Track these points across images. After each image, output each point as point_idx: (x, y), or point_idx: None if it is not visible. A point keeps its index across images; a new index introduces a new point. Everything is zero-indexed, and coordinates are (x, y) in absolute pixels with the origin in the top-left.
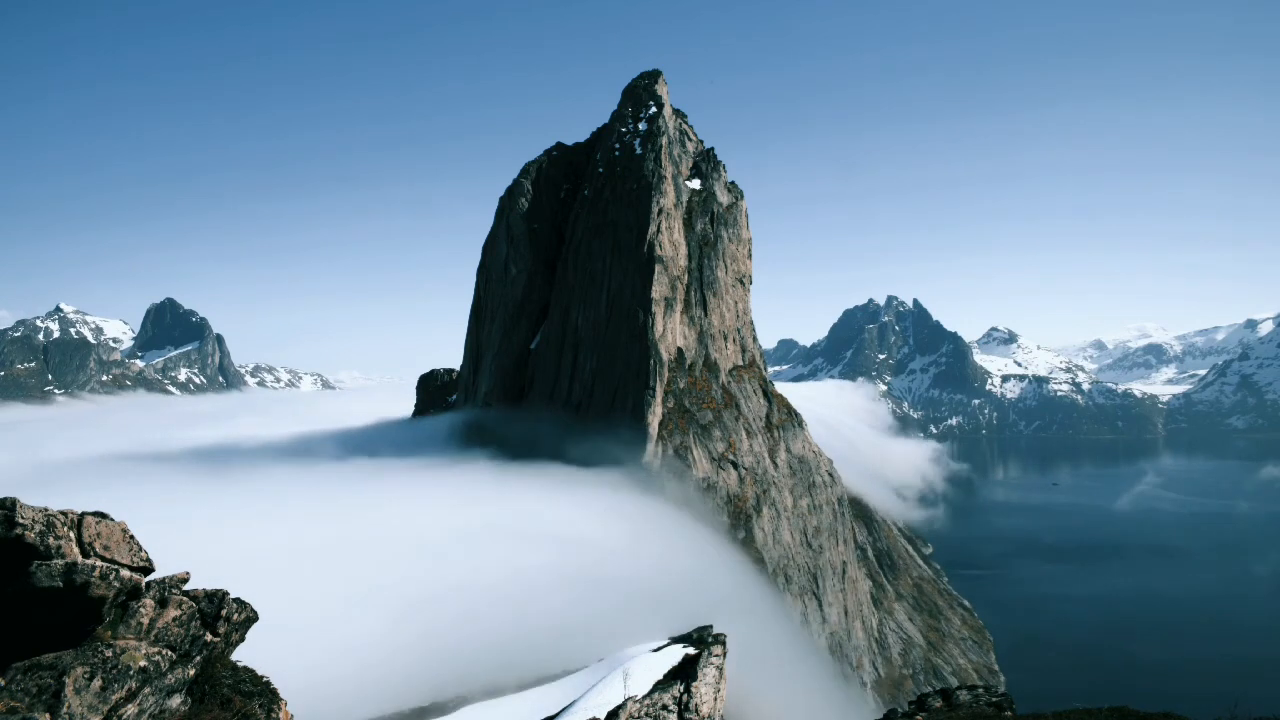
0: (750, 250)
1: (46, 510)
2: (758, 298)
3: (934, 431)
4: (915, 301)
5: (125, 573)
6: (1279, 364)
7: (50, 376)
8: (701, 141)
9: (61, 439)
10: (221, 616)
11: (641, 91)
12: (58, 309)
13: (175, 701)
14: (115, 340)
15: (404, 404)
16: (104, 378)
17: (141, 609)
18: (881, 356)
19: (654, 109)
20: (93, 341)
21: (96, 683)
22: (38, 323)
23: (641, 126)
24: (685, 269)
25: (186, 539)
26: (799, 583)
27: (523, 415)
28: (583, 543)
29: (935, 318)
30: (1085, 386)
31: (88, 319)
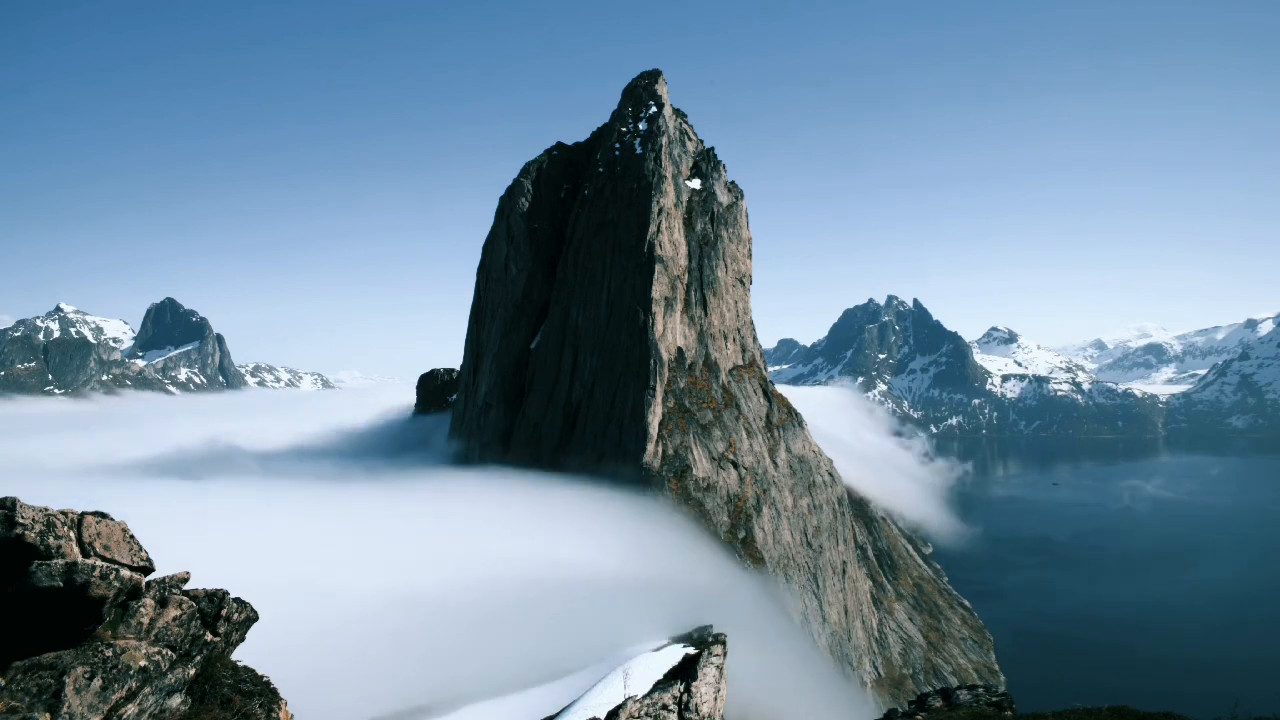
0: (750, 250)
1: (47, 510)
2: (758, 297)
3: (934, 431)
4: (915, 301)
5: (125, 572)
6: (1279, 364)
7: (50, 376)
8: (701, 141)
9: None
10: (222, 616)
11: (641, 91)
12: (58, 309)
13: (175, 701)
14: (115, 340)
15: (404, 404)
16: (104, 377)
17: (142, 609)
18: (882, 356)
19: (654, 109)
20: (93, 341)
21: (96, 682)
22: (38, 323)
23: (642, 126)
24: (685, 269)
25: (185, 539)
26: (799, 582)
27: (522, 417)
28: (582, 544)
29: (935, 317)
30: (1085, 386)
31: (88, 319)
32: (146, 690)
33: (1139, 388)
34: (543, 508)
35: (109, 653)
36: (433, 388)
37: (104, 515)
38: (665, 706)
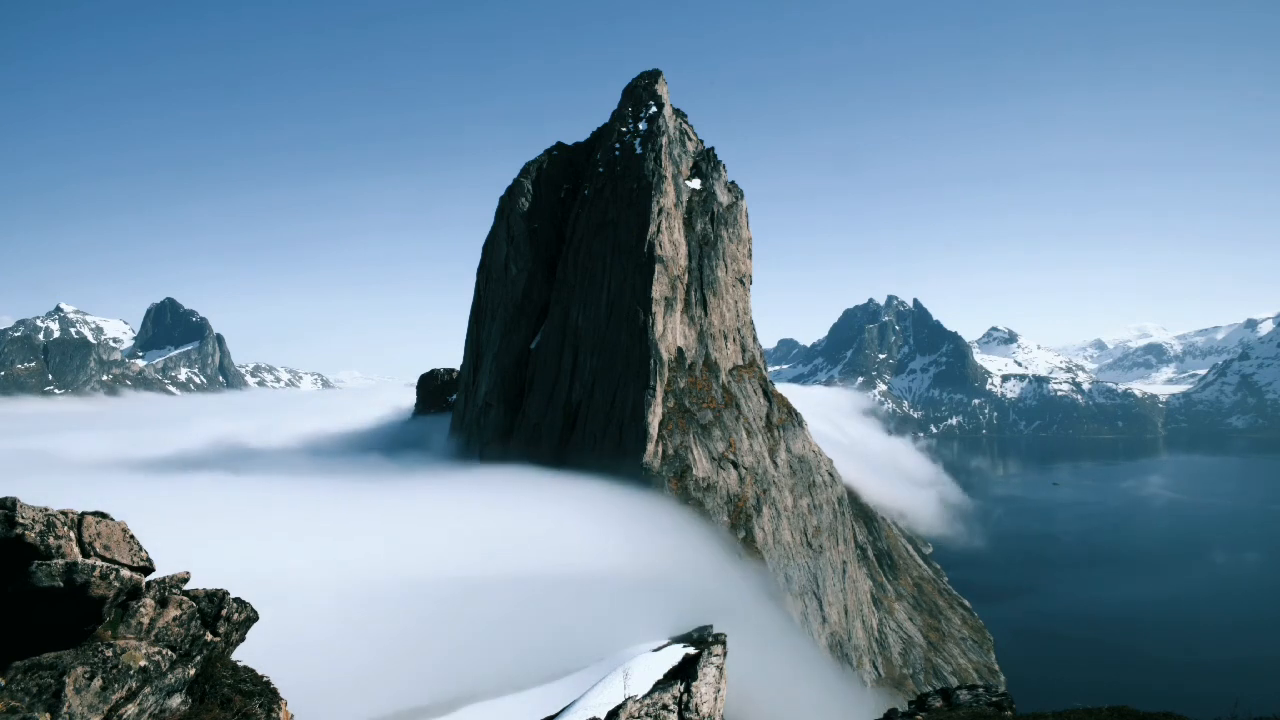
0: (750, 250)
1: (47, 510)
2: (758, 297)
3: (934, 431)
4: (915, 301)
5: (125, 572)
6: (1279, 364)
7: (50, 376)
8: (701, 141)
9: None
10: (222, 616)
11: (641, 91)
12: (58, 309)
13: (175, 701)
14: (115, 340)
15: (404, 404)
16: (104, 377)
17: (142, 609)
18: (882, 356)
19: (654, 109)
20: (93, 341)
21: (96, 682)
22: (38, 323)
23: (642, 126)
24: (685, 269)
25: (185, 538)
26: (799, 583)
27: (522, 417)
28: (582, 543)
29: (935, 317)
30: (1085, 386)
31: (88, 319)
32: (146, 690)
33: (1139, 388)
34: (543, 507)
35: (109, 653)
36: (433, 388)
37: (104, 515)
38: (665, 706)
